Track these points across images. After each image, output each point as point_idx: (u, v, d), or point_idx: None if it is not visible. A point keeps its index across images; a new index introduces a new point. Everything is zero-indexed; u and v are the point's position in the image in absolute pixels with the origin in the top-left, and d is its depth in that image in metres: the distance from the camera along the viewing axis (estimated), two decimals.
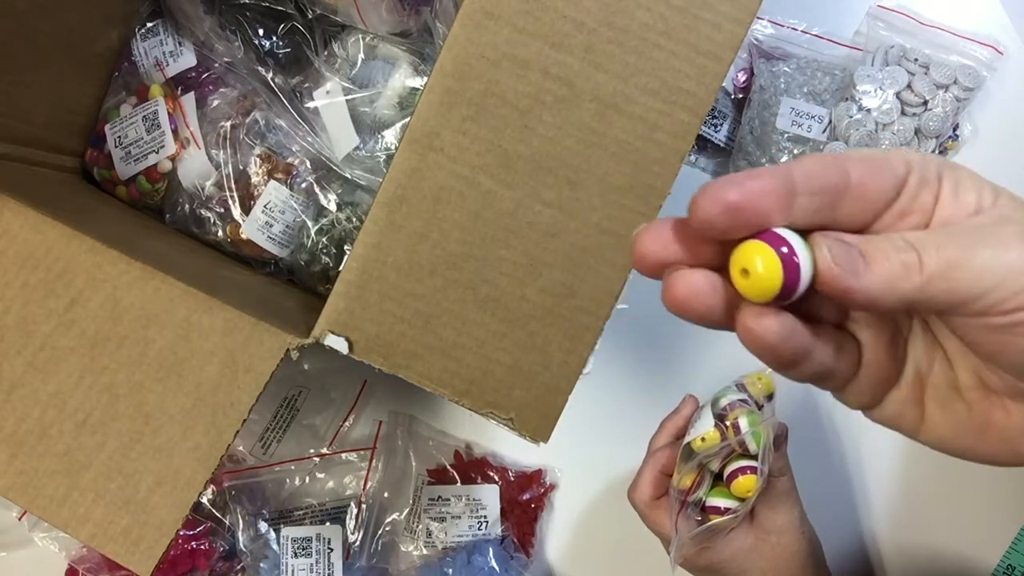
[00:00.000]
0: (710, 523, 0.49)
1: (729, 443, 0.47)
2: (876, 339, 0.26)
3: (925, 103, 0.56)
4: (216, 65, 0.54)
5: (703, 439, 0.48)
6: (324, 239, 0.54)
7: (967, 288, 0.21)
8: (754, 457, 0.48)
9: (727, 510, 0.49)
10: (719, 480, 0.50)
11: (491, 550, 0.59)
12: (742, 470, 0.48)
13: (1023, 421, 0.24)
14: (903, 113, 0.56)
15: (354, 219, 0.54)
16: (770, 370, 0.54)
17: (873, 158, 0.23)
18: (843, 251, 0.22)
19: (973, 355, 0.24)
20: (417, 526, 0.60)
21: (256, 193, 0.52)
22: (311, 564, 0.58)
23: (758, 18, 0.60)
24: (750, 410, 0.48)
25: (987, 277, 0.21)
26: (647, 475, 0.52)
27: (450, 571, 0.58)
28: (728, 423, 0.48)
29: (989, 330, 0.22)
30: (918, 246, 0.22)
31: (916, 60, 0.57)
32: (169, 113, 0.53)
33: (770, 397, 0.50)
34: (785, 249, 0.22)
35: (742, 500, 0.48)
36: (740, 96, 0.62)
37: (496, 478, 0.61)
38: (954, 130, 0.59)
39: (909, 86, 0.56)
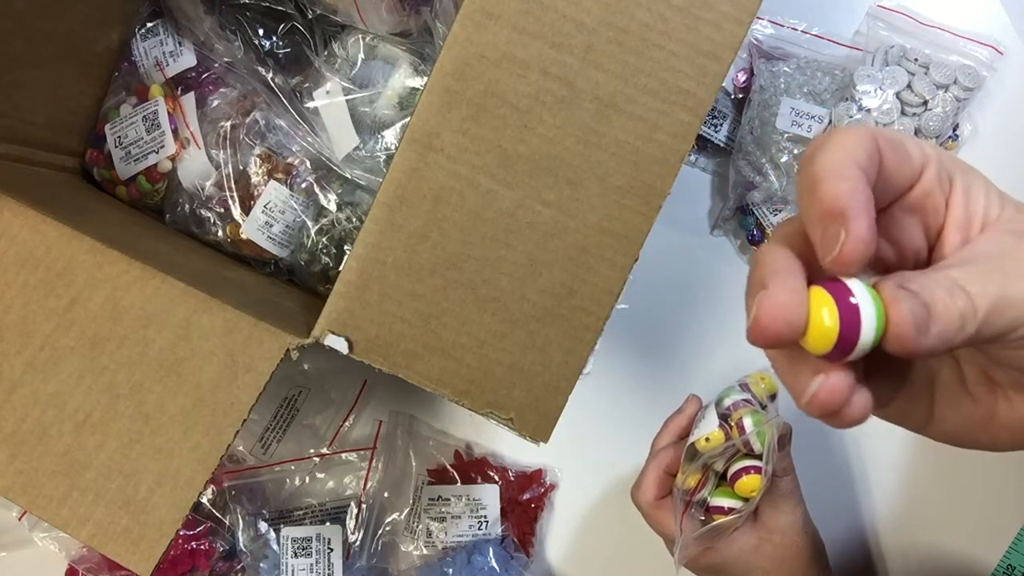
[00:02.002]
0: (714, 523, 0.49)
1: (733, 443, 0.47)
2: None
3: (925, 103, 0.56)
4: (216, 65, 0.54)
5: (707, 439, 0.48)
6: (324, 239, 0.54)
7: (1011, 323, 0.22)
8: (758, 457, 0.48)
9: (731, 510, 0.49)
10: (723, 480, 0.50)
11: (491, 550, 0.59)
12: (746, 470, 0.48)
13: None
14: (903, 113, 0.56)
15: (354, 219, 0.54)
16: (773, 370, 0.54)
17: (896, 141, 0.23)
18: (919, 309, 0.21)
19: (983, 356, 0.25)
20: (417, 526, 0.60)
21: (256, 193, 0.52)
22: (311, 564, 0.58)
23: (758, 18, 0.60)
24: (754, 410, 0.48)
25: None
26: (651, 475, 0.52)
27: (450, 571, 0.58)
28: (732, 423, 0.48)
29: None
30: (969, 288, 0.22)
31: (916, 60, 0.57)
32: (169, 113, 0.53)
33: (773, 397, 0.50)
34: (853, 300, 0.21)
35: (746, 500, 0.48)
36: (740, 96, 0.62)
37: (496, 478, 0.61)
38: (954, 130, 0.59)
39: (909, 86, 0.56)
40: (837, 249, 0.21)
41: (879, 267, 0.26)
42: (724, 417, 0.48)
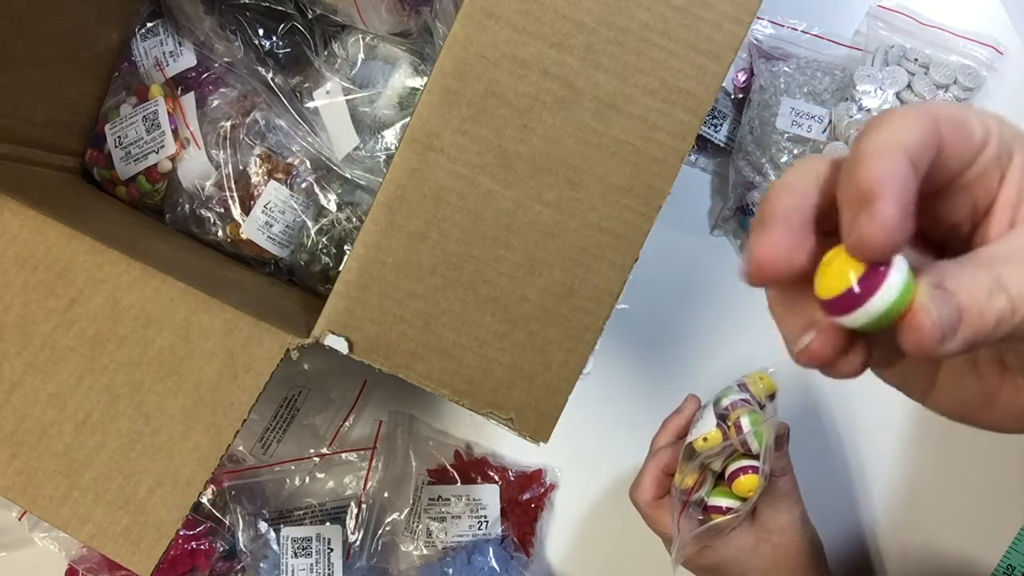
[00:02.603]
0: (711, 523, 0.49)
1: (731, 443, 0.47)
2: None
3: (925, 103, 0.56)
4: (216, 65, 0.54)
5: (705, 439, 0.48)
6: (324, 239, 0.54)
7: None
8: (756, 457, 0.48)
9: (729, 510, 0.49)
10: (721, 480, 0.50)
11: (491, 550, 0.59)
12: (744, 470, 0.48)
13: None
14: None
15: (354, 219, 0.54)
16: (772, 369, 0.54)
17: (958, 119, 0.22)
18: (949, 314, 0.20)
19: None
20: (417, 526, 0.60)
21: (256, 193, 0.52)
22: (311, 564, 0.58)
23: (758, 18, 0.60)
24: (752, 409, 0.48)
25: None
26: (649, 475, 0.52)
27: (450, 571, 0.58)
28: (730, 423, 0.48)
29: None
30: (1011, 288, 0.21)
31: (916, 60, 0.57)
32: (169, 113, 0.53)
33: (772, 397, 0.50)
34: (882, 268, 0.21)
35: (744, 500, 0.48)
36: (740, 96, 0.62)
37: (496, 478, 0.61)
38: None
39: (909, 86, 0.56)
40: (857, 233, 0.20)
41: (921, 243, 0.25)
42: (722, 417, 0.48)
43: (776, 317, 0.24)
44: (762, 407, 0.49)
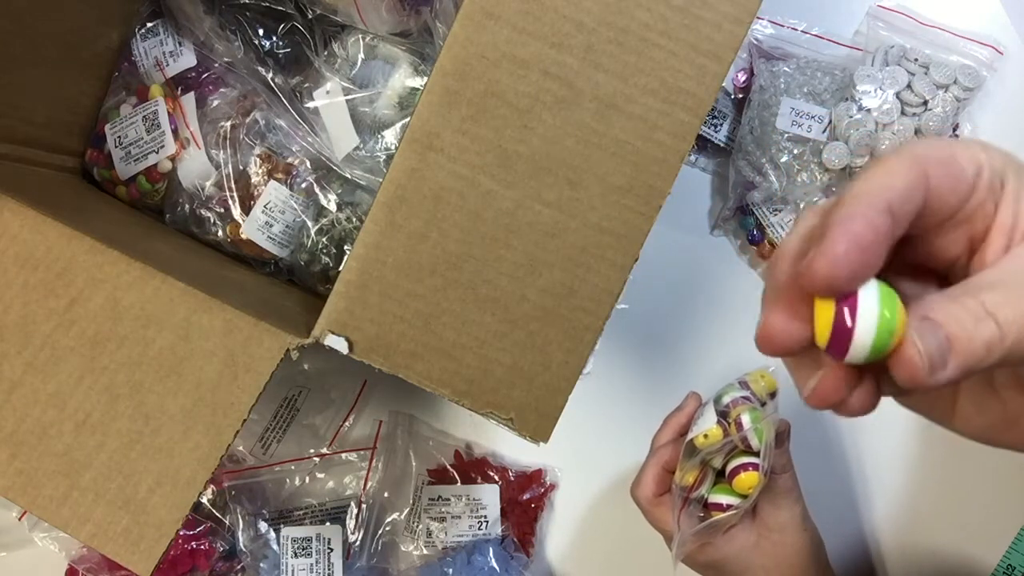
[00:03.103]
0: (712, 519, 0.49)
1: (731, 440, 0.47)
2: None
3: (925, 103, 0.56)
4: (216, 65, 0.54)
5: (705, 436, 0.48)
6: (324, 239, 0.54)
7: None
8: (756, 454, 0.48)
9: (729, 507, 0.49)
10: (721, 477, 0.50)
11: (491, 550, 0.59)
12: (744, 467, 0.48)
13: None
14: (903, 113, 0.56)
15: (354, 219, 0.54)
16: (772, 368, 0.54)
17: (946, 160, 0.22)
18: (937, 345, 0.21)
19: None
20: (417, 526, 0.60)
21: (256, 193, 0.52)
22: (311, 564, 0.58)
23: (758, 18, 0.60)
24: (752, 407, 0.48)
25: None
26: (650, 472, 0.52)
27: (450, 571, 0.58)
28: (731, 420, 0.48)
29: None
30: (999, 315, 0.21)
31: (916, 60, 0.57)
32: (169, 113, 0.53)
33: (773, 395, 0.50)
34: (851, 298, 0.22)
35: (744, 496, 0.49)
36: (740, 96, 0.62)
37: (496, 478, 0.61)
38: (954, 130, 0.59)
39: (909, 86, 0.56)
40: (806, 265, 0.21)
41: (925, 277, 0.26)
42: (723, 414, 0.49)
43: (789, 369, 0.26)
44: (763, 405, 0.49)
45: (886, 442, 0.61)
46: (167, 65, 0.55)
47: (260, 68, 0.53)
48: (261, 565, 0.59)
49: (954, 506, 0.61)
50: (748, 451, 0.48)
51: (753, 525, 0.51)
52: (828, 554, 0.54)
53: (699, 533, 0.49)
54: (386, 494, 0.61)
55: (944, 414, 0.26)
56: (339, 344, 0.36)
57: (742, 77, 0.62)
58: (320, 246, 0.54)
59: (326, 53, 0.55)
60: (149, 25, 0.55)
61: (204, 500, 0.60)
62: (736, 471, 0.48)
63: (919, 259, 0.25)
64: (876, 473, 0.61)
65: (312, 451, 0.62)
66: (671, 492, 0.51)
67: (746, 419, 0.47)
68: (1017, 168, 0.23)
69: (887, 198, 0.21)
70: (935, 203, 0.22)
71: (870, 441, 0.61)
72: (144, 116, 0.53)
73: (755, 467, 0.47)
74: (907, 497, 0.61)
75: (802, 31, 0.61)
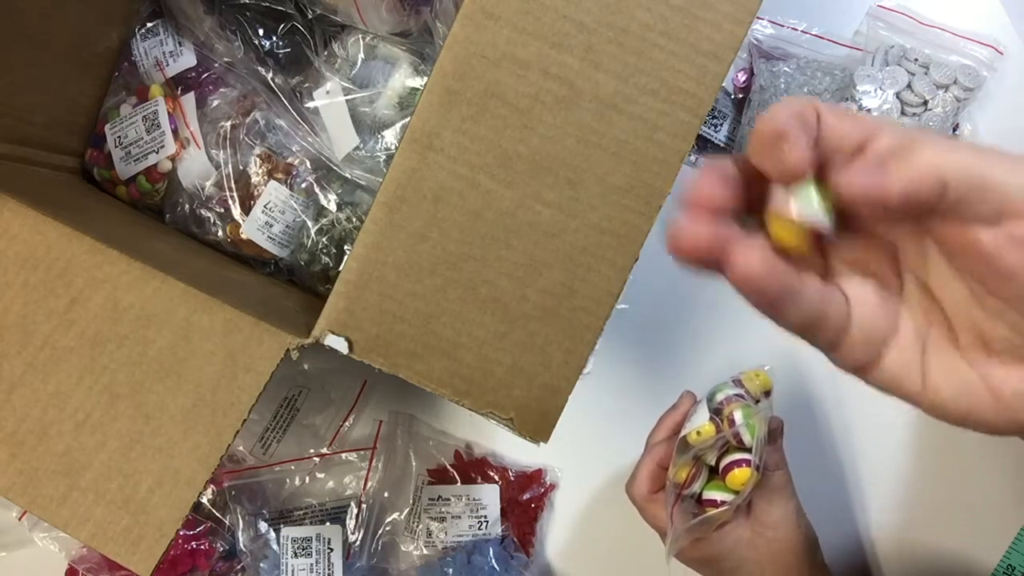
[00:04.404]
0: (704, 515, 0.49)
1: (724, 436, 0.48)
2: (863, 289, 0.26)
3: (925, 103, 0.56)
4: (216, 65, 0.54)
5: (698, 432, 0.48)
6: (324, 239, 0.54)
7: (979, 182, 0.22)
8: (749, 450, 0.48)
9: (723, 503, 0.49)
10: (715, 473, 0.51)
11: (491, 550, 0.59)
12: (737, 463, 0.48)
13: (1022, 384, 0.24)
14: (903, 113, 0.56)
15: (354, 219, 0.54)
16: (768, 367, 0.54)
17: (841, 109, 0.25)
18: (878, 161, 0.23)
19: (976, 307, 0.25)
20: (417, 526, 0.60)
21: (256, 193, 0.52)
22: (311, 564, 0.58)
23: (758, 18, 0.60)
24: (745, 404, 0.49)
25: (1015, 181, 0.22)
26: (644, 469, 0.52)
27: (450, 571, 0.58)
28: (723, 417, 0.48)
29: (1011, 243, 0.22)
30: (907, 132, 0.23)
31: (916, 60, 0.57)
32: (169, 113, 0.53)
33: (767, 393, 0.51)
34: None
35: (737, 492, 0.49)
36: (740, 96, 0.62)
37: (496, 478, 0.61)
38: (954, 130, 0.59)
39: (909, 86, 0.56)
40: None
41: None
42: (716, 412, 0.49)
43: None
44: (757, 403, 0.50)
45: (884, 441, 0.61)
46: (167, 65, 0.55)
47: (260, 68, 0.53)
48: (261, 565, 0.59)
49: (954, 506, 0.61)
50: (741, 447, 0.49)
51: (748, 522, 0.51)
52: (825, 553, 0.54)
53: (692, 529, 0.49)
54: (386, 494, 0.61)
55: (915, 387, 0.26)
56: (339, 344, 0.36)
57: (742, 77, 0.62)
58: (320, 246, 0.54)
59: (326, 53, 0.55)
60: (149, 25, 0.55)
61: (204, 500, 0.60)
62: (729, 467, 0.49)
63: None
64: (874, 472, 0.61)
65: (312, 451, 0.62)
66: (665, 489, 0.51)
67: (738, 415, 0.48)
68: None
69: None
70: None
71: (868, 439, 0.61)
72: (144, 116, 0.53)
73: (748, 463, 0.48)
74: (906, 496, 0.61)
75: (802, 31, 0.61)
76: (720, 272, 0.24)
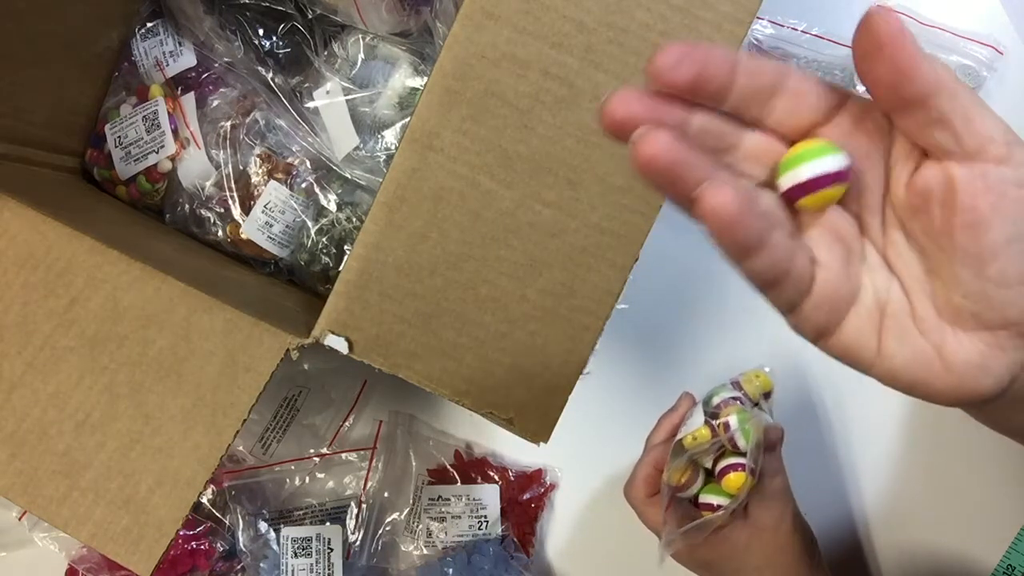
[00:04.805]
0: (700, 519, 0.49)
1: (719, 440, 0.48)
2: (829, 253, 0.26)
3: None
4: (216, 65, 0.54)
5: (694, 437, 0.48)
6: (324, 239, 0.54)
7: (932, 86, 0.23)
8: (744, 454, 0.48)
9: (719, 507, 0.49)
10: (712, 477, 0.51)
11: (491, 550, 0.59)
12: (732, 467, 0.48)
13: (972, 354, 0.25)
14: None
15: (354, 219, 0.54)
16: (768, 368, 0.54)
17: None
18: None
19: (932, 277, 0.25)
20: (417, 526, 0.60)
21: (256, 193, 0.52)
22: (311, 564, 0.58)
23: (758, 18, 0.60)
24: (741, 408, 0.49)
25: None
26: (642, 472, 0.52)
27: (450, 571, 0.58)
28: (719, 421, 0.48)
29: (984, 186, 0.23)
30: None
31: None
32: (169, 113, 0.53)
33: (767, 395, 0.51)
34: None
35: (732, 497, 0.49)
36: None
37: (496, 478, 0.61)
38: None
39: None
40: None
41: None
42: (712, 415, 0.49)
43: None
44: (755, 405, 0.50)
45: (884, 441, 0.61)
46: (167, 65, 0.55)
47: (260, 68, 0.53)
48: (261, 565, 0.59)
49: (954, 506, 0.61)
50: (737, 452, 0.48)
51: (745, 525, 0.51)
52: (824, 554, 0.54)
53: (688, 532, 0.49)
54: (386, 494, 0.61)
55: (870, 355, 0.26)
56: (339, 344, 0.36)
57: None
58: (320, 246, 0.54)
59: (326, 53, 0.55)
60: (149, 25, 0.55)
61: (204, 500, 0.60)
62: (725, 471, 0.49)
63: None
64: (873, 474, 0.61)
65: (312, 451, 0.62)
66: (660, 491, 0.51)
67: (734, 420, 0.48)
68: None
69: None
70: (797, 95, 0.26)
71: (867, 440, 0.61)
72: (144, 116, 0.53)
73: (743, 468, 0.48)
74: (906, 497, 0.61)
75: (802, 31, 0.61)
76: (687, 206, 0.23)
